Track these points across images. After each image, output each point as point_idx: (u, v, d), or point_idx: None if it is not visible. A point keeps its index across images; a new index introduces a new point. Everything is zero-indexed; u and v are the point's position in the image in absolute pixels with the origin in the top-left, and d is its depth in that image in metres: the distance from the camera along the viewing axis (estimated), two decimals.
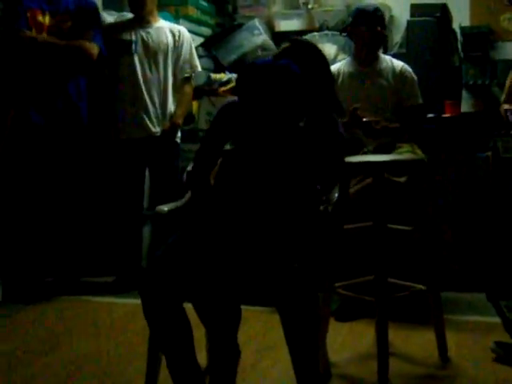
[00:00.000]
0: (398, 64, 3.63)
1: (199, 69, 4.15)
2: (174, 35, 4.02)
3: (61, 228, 3.92)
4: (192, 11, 4.70)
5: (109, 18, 4.23)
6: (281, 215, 2.17)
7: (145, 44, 3.93)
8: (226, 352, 2.19)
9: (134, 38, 3.92)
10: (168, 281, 2.06)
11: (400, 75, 3.58)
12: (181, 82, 4.05)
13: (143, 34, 3.94)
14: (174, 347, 2.10)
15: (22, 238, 3.83)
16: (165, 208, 2.45)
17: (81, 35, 3.76)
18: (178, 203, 2.52)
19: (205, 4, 4.87)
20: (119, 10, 4.44)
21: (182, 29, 4.11)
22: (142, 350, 2.42)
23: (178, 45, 4.02)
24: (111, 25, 4.11)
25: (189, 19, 4.62)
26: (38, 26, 3.72)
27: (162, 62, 3.97)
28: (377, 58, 3.64)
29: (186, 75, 4.06)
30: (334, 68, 3.74)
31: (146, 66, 3.92)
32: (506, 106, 3.65)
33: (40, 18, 3.73)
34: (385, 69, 3.60)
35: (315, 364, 2.15)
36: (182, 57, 4.04)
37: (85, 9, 3.83)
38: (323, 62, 2.46)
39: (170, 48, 3.99)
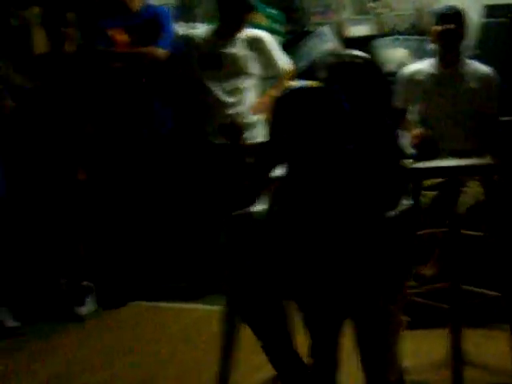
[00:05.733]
0: (485, 69, 3.57)
1: (286, 66, 4.15)
2: (254, 42, 4.07)
3: (138, 234, 4.02)
4: (261, 20, 4.73)
5: (179, 30, 4.31)
6: (353, 229, 2.16)
7: (229, 56, 3.99)
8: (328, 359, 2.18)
9: (219, 50, 4.00)
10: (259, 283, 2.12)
11: (486, 80, 3.52)
12: (271, 85, 4.10)
13: (228, 45, 4.01)
14: (271, 338, 2.15)
15: (106, 245, 3.96)
16: (239, 213, 2.47)
17: (150, 42, 3.93)
18: (252, 208, 2.53)
19: (274, 12, 4.89)
20: (190, 21, 4.51)
21: (260, 33, 4.15)
22: (214, 355, 2.45)
23: (261, 52, 4.07)
24: (197, 39, 4.16)
25: (258, 28, 4.64)
26: (119, 43, 3.95)
27: (247, 71, 4.03)
28: (459, 60, 3.59)
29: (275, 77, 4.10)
30: (413, 66, 3.71)
31: (231, 78, 3.99)
32: None
33: (118, 36, 3.95)
34: (468, 72, 3.55)
35: (385, 373, 2.13)
36: (269, 61, 4.08)
37: (157, 15, 4.01)
38: (376, 79, 2.40)
39: (252, 56, 4.04)
